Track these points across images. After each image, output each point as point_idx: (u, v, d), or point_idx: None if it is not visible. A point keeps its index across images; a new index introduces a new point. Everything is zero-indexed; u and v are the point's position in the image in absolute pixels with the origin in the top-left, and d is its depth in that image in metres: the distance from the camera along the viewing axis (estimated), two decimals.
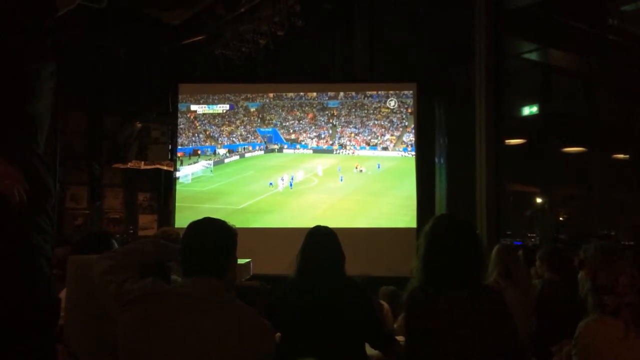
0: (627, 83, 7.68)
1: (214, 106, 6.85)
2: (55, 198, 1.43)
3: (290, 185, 6.79)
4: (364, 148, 6.85)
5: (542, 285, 3.62)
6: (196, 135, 7.03)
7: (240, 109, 7.04)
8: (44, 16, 1.39)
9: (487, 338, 1.96)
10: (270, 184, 6.87)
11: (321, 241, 2.56)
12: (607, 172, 9.02)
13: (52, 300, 1.38)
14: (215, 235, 1.86)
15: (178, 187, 6.73)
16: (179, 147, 6.88)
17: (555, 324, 3.21)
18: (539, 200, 10.47)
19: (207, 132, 7.05)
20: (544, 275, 3.74)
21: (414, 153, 6.50)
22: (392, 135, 6.69)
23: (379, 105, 6.74)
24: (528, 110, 7.85)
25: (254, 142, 7.13)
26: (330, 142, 6.96)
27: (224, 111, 6.83)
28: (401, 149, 6.63)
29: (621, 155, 9.28)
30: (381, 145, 6.74)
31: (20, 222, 1.29)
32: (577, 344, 2.13)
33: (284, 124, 7.04)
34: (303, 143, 7.03)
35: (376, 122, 6.73)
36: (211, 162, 7.05)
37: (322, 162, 7.00)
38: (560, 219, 10.28)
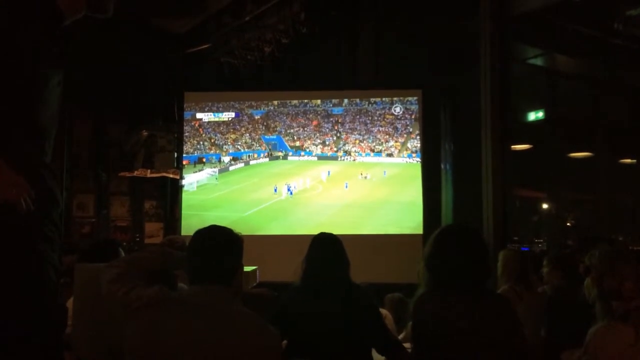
0: (633, 87, 7.66)
1: (220, 114, 6.86)
2: (63, 207, 1.44)
3: (290, 192, 6.78)
4: (369, 155, 6.85)
5: (552, 291, 3.60)
6: (201, 143, 7.05)
7: (245, 116, 7.06)
8: (51, 26, 1.40)
9: (495, 345, 1.95)
10: (275, 190, 6.88)
11: (326, 248, 2.56)
12: (613, 177, 8.99)
13: (59, 308, 1.38)
14: (221, 242, 1.87)
15: (183, 195, 6.74)
16: (184, 155, 6.90)
17: (565, 330, 3.18)
18: (545, 205, 10.43)
19: (212, 140, 7.07)
20: (553, 281, 3.72)
21: (419, 159, 6.48)
22: (396, 141, 6.68)
23: (383, 111, 6.74)
24: (534, 116, 7.83)
25: (258, 149, 7.14)
26: (335, 149, 6.96)
27: (230, 119, 6.85)
28: (406, 155, 6.61)
29: (628, 160, 9.25)
30: (386, 152, 6.73)
31: (27, 230, 1.29)
32: (587, 350, 2.12)
33: (288, 131, 7.05)
34: (307, 150, 7.03)
35: (381, 128, 6.72)
36: (216, 169, 7.07)
37: (327, 169, 6.99)
38: (568, 224, 10.23)
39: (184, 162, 6.84)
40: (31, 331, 1.28)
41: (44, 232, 1.33)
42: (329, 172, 6.94)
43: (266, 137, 7.09)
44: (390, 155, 6.68)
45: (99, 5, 1.51)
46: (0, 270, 1.24)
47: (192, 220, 6.44)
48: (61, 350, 1.41)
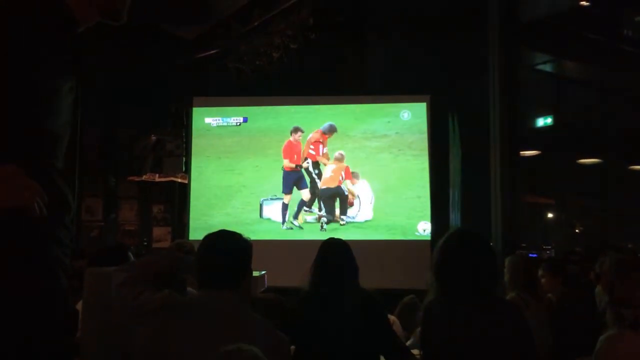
0: None
1: (228, 119, 6.88)
2: (75, 211, 1.45)
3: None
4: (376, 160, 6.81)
5: (557, 298, 3.58)
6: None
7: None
8: (64, 32, 1.42)
9: (504, 352, 1.94)
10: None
11: (334, 253, 2.57)
12: (623, 183, 8.94)
13: (71, 313, 1.39)
14: (230, 247, 1.87)
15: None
16: None
17: (572, 339, 3.17)
18: (554, 211, 10.39)
19: None
20: (555, 288, 3.70)
21: (427, 165, 6.47)
22: (404, 147, 6.62)
23: (391, 117, 6.70)
24: (542, 122, 7.81)
25: None
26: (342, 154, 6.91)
27: (238, 124, 6.86)
28: (414, 161, 6.57)
29: (637, 167, 9.20)
30: (393, 158, 6.67)
31: (39, 234, 1.31)
32: (597, 358, 2.11)
33: None
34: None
35: (388, 134, 6.68)
36: None
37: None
38: (576, 230, 10.18)
39: None
40: (42, 335, 1.29)
41: (56, 236, 1.34)
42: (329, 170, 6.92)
43: None
44: (397, 161, 6.64)
45: (113, 12, 1.53)
46: (13, 275, 1.25)
47: (199, 225, 6.45)
48: (71, 355, 1.42)
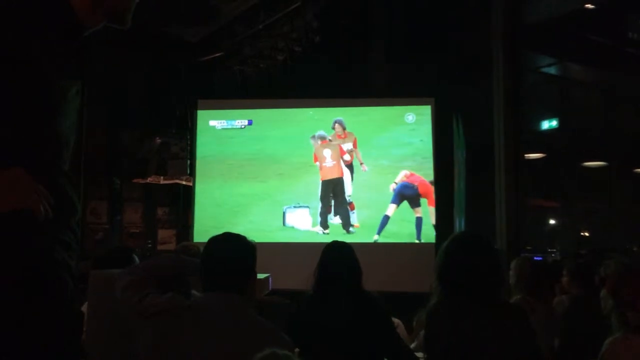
0: None
1: (233, 121, 6.89)
2: (80, 214, 1.46)
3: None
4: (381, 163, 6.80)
5: (569, 301, 3.55)
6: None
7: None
8: (70, 37, 1.43)
9: (508, 355, 1.93)
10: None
11: (338, 256, 2.57)
12: (627, 186, 8.91)
13: (77, 315, 1.40)
14: (234, 250, 1.88)
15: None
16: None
17: (580, 342, 3.15)
18: (559, 214, 10.35)
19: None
20: (571, 290, 3.67)
21: (431, 168, 6.45)
22: (409, 150, 6.61)
23: (396, 120, 6.69)
24: (547, 125, 7.80)
25: None
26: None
27: (243, 126, 6.87)
28: (418, 164, 6.55)
29: None
30: (398, 161, 6.66)
31: (45, 237, 1.31)
32: None
33: None
34: None
35: (392, 137, 6.67)
36: None
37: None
38: (581, 234, 10.14)
39: None
40: (49, 338, 1.29)
41: (62, 239, 1.35)
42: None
43: None
44: (401, 163, 6.62)
45: (118, 16, 1.53)
46: (19, 278, 1.26)
47: (204, 227, 6.46)
48: (78, 357, 1.42)
